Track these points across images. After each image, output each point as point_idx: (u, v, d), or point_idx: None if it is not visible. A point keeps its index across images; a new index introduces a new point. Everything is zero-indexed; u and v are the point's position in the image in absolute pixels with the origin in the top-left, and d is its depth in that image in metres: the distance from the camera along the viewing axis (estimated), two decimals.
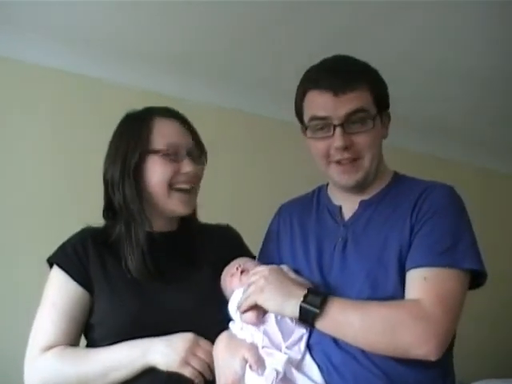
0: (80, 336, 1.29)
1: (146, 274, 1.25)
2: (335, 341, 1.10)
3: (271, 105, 2.90)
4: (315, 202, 1.34)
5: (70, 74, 2.46)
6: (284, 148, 2.91)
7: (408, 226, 1.14)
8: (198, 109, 2.67)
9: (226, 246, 1.39)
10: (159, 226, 1.32)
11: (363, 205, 1.24)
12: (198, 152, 1.33)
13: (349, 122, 1.15)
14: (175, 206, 1.29)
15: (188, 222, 1.37)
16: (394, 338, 1.04)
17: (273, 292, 1.11)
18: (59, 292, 1.26)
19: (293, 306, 1.09)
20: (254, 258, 1.40)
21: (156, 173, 1.26)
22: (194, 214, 1.39)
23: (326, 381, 1.09)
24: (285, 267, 1.22)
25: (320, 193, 1.36)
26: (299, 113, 1.25)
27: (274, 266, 1.20)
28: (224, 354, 1.15)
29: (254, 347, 1.11)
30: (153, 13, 2.21)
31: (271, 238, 1.38)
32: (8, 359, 2.07)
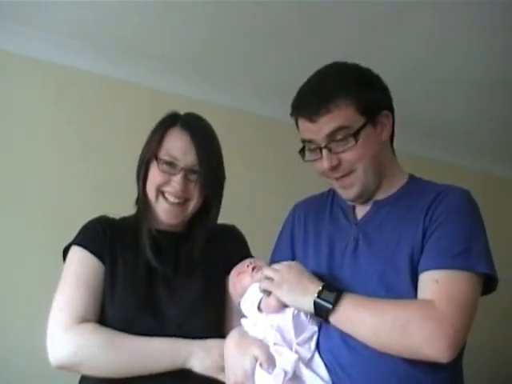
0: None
1: (156, 266, 1.30)
2: (344, 341, 1.11)
3: (282, 107, 2.90)
4: (329, 201, 1.35)
5: (77, 69, 2.47)
6: (294, 151, 2.91)
7: (421, 228, 1.14)
8: (207, 109, 2.69)
9: (229, 246, 1.41)
10: (164, 225, 1.36)
11: (376, 205, 1.24)
12: (199, 172, 1.32)
13: (333, 142, 1.16)
14: (160, 213, 1.33)
15: (194, 223, 1.39)
16: (403, 337, 1.04)
17: (291, 287, 1.13)
18: (83, 268, 1.28)
19: (309, 301, 1.11)
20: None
21: (151, 177, 1.33)
22: (206, 214, 1.39)
23: (332, 381, 1.10)
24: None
25: (335, 192, 1.35)
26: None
27: (292, 262, 1.21)
28: (234, 352, 1.15)
29: (264, 345, 1.11)
30: (164, 13, 2.21)
31: (285, 236, 1.39)
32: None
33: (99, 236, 1.32)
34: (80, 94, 2.48)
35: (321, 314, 1.10)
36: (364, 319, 1.07)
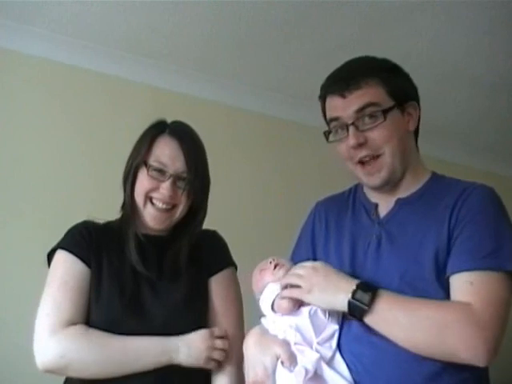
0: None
1: (141, 270, 1.32)
2: (366, 340, 1.10)
3: (283, 106, 2.92)
4: (351, 199, 1.34)
5: (77, 68, 2.49)
6: (294, 149, 2.93)
7: (446, 227, 1.13)
8: (208, 108, 2.70)
9: (212, 251, 1.44)
10: (150, 230, 1.38)
11: (400, 203, 1.22)
12: (187, 179, 1.35)
13: (360, 119, 1.17)
14: (147, 218, 1.36)
15: (179, 228, 1.41)
16: (441, 341, 1.03)
17: (322, 290, 1.11)
18: (68, 271, 1.30)
19: (341, 301, 1.08)
20: (232, 263, 1.46)
21: (139, 183, 1.35)
22: (192, 219, 1.41)
23: (355, 380, 1.09)
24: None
25: (356, 191, 1.35)
26: (325, 119, 1.27)
27: (317, 263, 1.18)
28: (254, 350, 1.15)
29: (286, 343, 1.10)
30: (165, 12, 2.23)
31: (305, 235, 1.38)
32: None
33: (84, 240, 1.34)
34: (81, 92, 2.49)
35: (355, 314, 1.08)
36: (400, 321, 1.05)
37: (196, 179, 1.36)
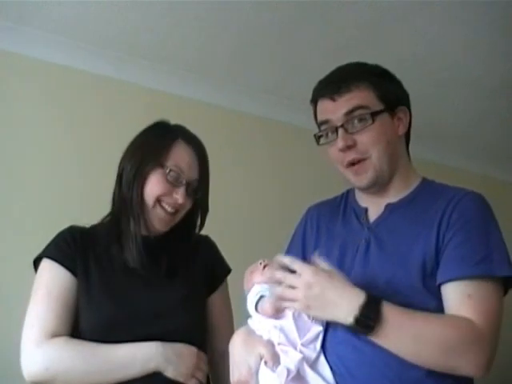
0: (73, 324, 1.30)
1: (141, 271, 1.32)
2: (350, 343, 1.09)
3: (278, 108, 2.92)
4: (343, 204, 1.35)
5: (73, 69, 2.47)
6: (289, 151, 2.93)
7: (435, 233, 1.13)
8: (202, 109, 2.69)
9: (202, 256, 1.45)
10: (151, 231, 1.38)
11: (389, 208, 1.23)
12: (197, 187, 1.38)
13: (350, 122, 1.18)
14: (154, 220, 1.35)
15: (174, 231, 1.41)
16: (446, 358, 1.05)
17: (318, 309, 1.07)
18: (53, 281, 1.29)
19: (344, 319, 1.05)
20: (229, 270, 1.49)
21: (153, 184, 1.33)
22: (189, 222, 1.43)
23: (337, 382, 1.09)
24: None
25: (348, 196, 1.36)
26: (316, 123, 1.29)
27: (310, 278, 1.08)
28: (240, 350, 1.16)
29: (270, 344, 1.11)
30: (164, 13, 2.22)
31: (296, 239, 1.39)
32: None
33: (69, 247, 1.33)
34: (76, 93, 2.47)
35: (358, 331, 1.06)
36: (406, 341, 1.05)
37: (205, 187, 1.41)
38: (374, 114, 1.17)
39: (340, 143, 1.18)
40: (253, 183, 2.87)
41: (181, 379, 1.25)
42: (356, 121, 1.18)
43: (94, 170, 2.42)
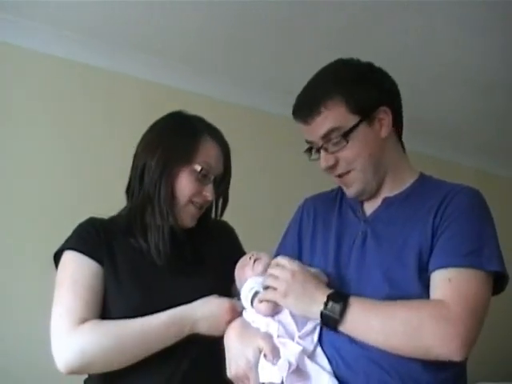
0: (101, 312, 1.29)
1: (165, 262, 1.31)
2: (347, 335, 1.10)
3: (274, 101, 2.92)
4: (339, 197, 1.35)
5: (75, 62, 2.47)
6: (282, 144, 2.93)
7: (430, 226, 1.14)
8: (198, 102, 2.69)
9: (223, 240, 1.46)
10: (180, 224, 1.37)
11: (386, 202, 1.24)
12: (222, 179, 1.39)
13: (327, 143, 1.19)
14: (185, 218, 1.36)
15: (201, 219, 1.41)
16: (415, 339, 1.04)
17: (297, 297, 1.11)
18: (78, 271, 1.27)
19: (315, 313, 1.10)
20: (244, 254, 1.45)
21: (183, 185, 1.33)
22: (207, 215, 1.43)
23: (335, 374, 1.09)
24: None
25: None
26: None
27: (296, 267, 1.16)
28: (236, 343, 1.15)
29: (268, 336, 1.11)
30: (158, 6, 2.22)
31: (292, 230, 1.39)
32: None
33: (93, 238, 1.31)
34: (73, 85, 2.48)
35: (329, 325, 1.09)
36: (374, 326, 1.06)
37: (228, 180, 1.42)
38: (347, 134, 1.17)
39: (322, 164, 1.21)
40: (244, 176, 2.87)
41: (215, 333, 1.23)
42: (331, 144, 1.19)
43: (92, 161, 2.44)
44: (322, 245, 1.27)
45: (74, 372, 1.20)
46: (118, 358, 1.21)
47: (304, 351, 1.09)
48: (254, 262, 1.26)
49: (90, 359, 1.19)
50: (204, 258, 1.37)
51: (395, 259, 1.14)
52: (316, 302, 1.10)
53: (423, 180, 1.26)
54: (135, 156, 1.38)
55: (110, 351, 1.20)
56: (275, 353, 1.07)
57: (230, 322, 1.22)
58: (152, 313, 1.24)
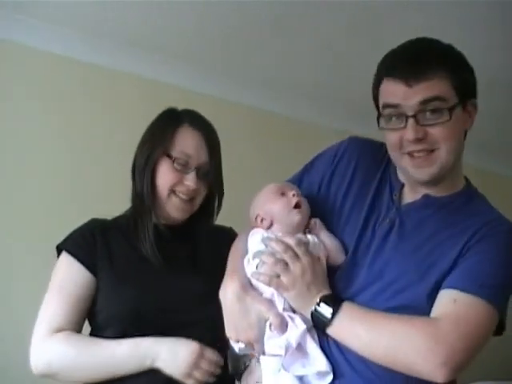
0: (84, 321, 1.33)
1: (156, 261, 1.31)
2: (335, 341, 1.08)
3: (273, 100, 2.91)
4: (385, 162, 1.23)
5: (75, 60, 2.48)
6: (280, 142, 2.91)
7: (460, 246, 1.07)
8: (196, 99, 2.69)
9: (224, 245, 1.39)
10: (170, 220, 1.38)
11: (425, 200, 1.15)
12: (209, 169, 1.36)
13: (423, 113, 1.06)
14: (171, 210, 1.35)
15: (193, 218, 1.41)
16: (397, 353, 1.01)
17: (297, 295, 1.09)
18: (67, 276, 1.30)
19: (307, 313, 1.08)
20: None
21: (163, 175, 1.33)
22: (205, 213, 1.43)
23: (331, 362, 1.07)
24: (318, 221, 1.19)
25: (390, 159, 1.21)
26: (375, 100, 1.16)
27: (310, 263, 1.09)
28: (235, 307, 1.11)
29: (273, 307, 1.09)
30: (156, 4, 2.22)
31: (327, 161, 1.28)
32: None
33: (87, 243, 1.33)
34: (72, 83, 2.48)
35: (318, 327, 1.08)
36: (360, 334, 1.04)
37: (217, 169, 1.39)
38: (451, 109, 1.05)
39: (411, 135, 1.06)
40: (243, 175, 2.87)
41: (174, 375, 1.22)
42: (429, 113, 1.05)
43: (87, 159, 2.43)
44: (354, 208, 1.19)
45: (43, 377, 1.26)
46: (82, 374, 1.25)
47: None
48: (261, 221, 1.19)
49: (55, 370, 1.24)
50: (201, 259, 1.37)
51: (414, 270, 1.08)
52: (312, 302, 1.08)
53: (469, 192, 1.19)
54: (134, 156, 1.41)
55: (73, 368, 1.24)
56: (283, 326, 1.06)
57: (194, 364, 1.20)
58: (147, 312, 1.25)
